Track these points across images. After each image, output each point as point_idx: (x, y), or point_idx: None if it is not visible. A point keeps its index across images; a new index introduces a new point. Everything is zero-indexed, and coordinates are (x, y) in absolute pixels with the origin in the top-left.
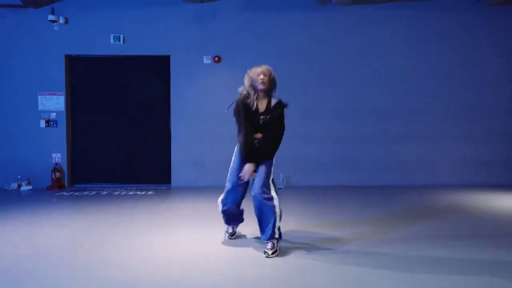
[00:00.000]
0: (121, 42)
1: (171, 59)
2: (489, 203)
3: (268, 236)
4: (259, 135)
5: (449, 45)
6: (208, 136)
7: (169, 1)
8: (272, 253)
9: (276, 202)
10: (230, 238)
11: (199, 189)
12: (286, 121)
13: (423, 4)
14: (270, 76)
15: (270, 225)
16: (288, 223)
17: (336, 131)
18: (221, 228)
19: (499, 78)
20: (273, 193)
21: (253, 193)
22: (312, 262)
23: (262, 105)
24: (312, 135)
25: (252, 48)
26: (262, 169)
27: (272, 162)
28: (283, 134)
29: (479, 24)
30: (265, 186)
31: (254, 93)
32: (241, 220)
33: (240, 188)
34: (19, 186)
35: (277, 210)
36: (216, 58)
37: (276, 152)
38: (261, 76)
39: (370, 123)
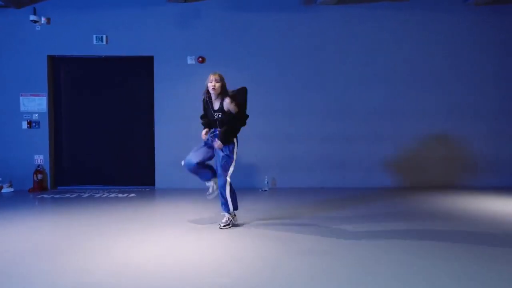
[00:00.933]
0: (104, 42)
1: (155, 59)
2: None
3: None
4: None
5: (436, 45)
6: (192, 136)
7: (152, 1)
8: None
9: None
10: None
11: (183, 191)
12: (269, 121)
13: (409, 3)
14: (220, 82)
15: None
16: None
17: (323, 131)
18: (197, 234)
19: (487, 78)
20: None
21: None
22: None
23: (216, 104)
24: (298, 135)
25: (237, 49)
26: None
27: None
28: (242, 115)
29: (466, 23)
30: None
31: (207, 93)
32: (211, 170)
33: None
34: (0, 188)
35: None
36: (200, 59)
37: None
38: (212, 83)
39: (357, 123)
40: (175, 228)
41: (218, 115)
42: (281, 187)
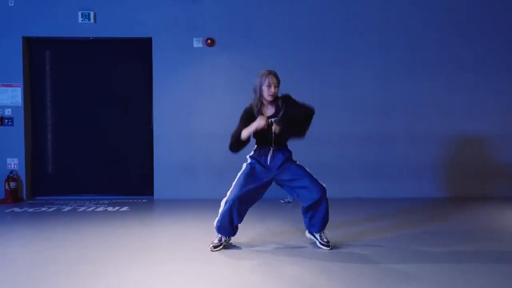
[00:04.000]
0: (92, 21)
1: (153, 42)
2: None
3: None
4: (274, 145)
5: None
6: (199, 136)
7: None
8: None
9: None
10: (213, 250)
11: (187, 202)
12: None
13: None
14: (279, 84)
15: None
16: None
17: (358, 131)
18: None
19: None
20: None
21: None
22: None
23: (269, 110)
24: (327, 135)
25: (253, 29)
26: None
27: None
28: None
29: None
30: None
31: (260, 102)
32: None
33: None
34: None
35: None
36: (209, 41)
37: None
38: (272, 89)
39: (399, 121)
40: (173, 260)
41: (274, 120)
42: None
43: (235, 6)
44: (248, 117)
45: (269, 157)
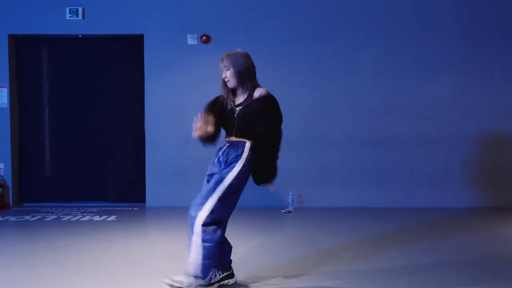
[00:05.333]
0: (80, 17)
1: (145, 39)
2: None
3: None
4: (233, 138)
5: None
6: (193, 140)
7: None
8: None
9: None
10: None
11: (182, 211)
12: (293, 120)
13: None
14: (233, 68)
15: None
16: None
17: (365, 134)
18: None
19: None
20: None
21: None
22: None
23: (239, 99)
24: (331, 138)
25: (250, 24)
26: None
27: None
28: (277, 132)
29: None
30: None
31: (226, 89)
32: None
33: None
34: None
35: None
36: (204, 38)
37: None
38: (223, 74)
39: (411, 123)
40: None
41: (239, 108)
42: (310, 207)
43: (230, 1)
44: (213, 103)
45: (221, 151)
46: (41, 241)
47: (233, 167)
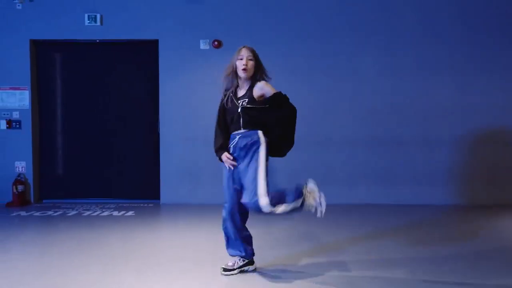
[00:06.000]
0: (98, 23)
1: (160, 44)
2: None
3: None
4: (241, 130)
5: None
6: (206, 139)
7: None
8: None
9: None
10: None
11: (194, 207)
12: (299, 119)
13: None
14: (256, 61)
15: None
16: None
17: (367, 134)
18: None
19: None
20: None
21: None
22: None
23: (241, 91)
24: (335, 138)
25: (260, 29)
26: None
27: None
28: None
29: None
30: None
31: (237, 82)
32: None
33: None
34: None
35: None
36: (216, 43)
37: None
38: (244, 61)
39: (410, 124)
40: (177, 274)
41: (244, 101)
42: None
43: (242, 8)
44: (221, 111)
45: (235, 145)
46: (67, 233)
47: (258, 152)
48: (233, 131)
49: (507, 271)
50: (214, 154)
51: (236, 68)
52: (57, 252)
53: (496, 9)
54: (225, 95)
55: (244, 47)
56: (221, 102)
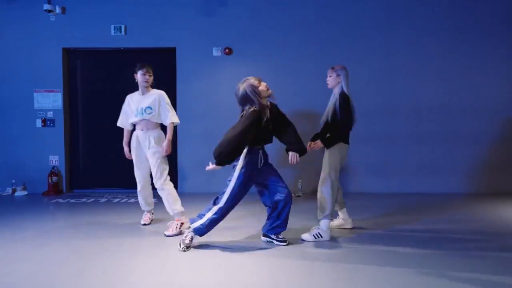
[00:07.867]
0: (123, 33)
1: (177, 51)
2: None
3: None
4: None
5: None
6: (218, 135)
7: None
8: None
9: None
10: (185, 250)
11: (208, 196)
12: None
13: None
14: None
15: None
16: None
17: (364, 131)
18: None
19: None
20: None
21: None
22: None
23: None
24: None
25: (267, 39)
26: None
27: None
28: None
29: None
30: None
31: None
32: None
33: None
34: (14, 191)
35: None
36: (227, 50)
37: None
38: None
39: (403, 122)
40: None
41: (269, 121)
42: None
43: (251, 19)
44: (259, 121)
45: (260, 157)
46: (103, 217)
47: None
48: (259, 144)
49: None
50: None
51: (260, 93)
52: (92, 234)
53: (483, 14)
54: (263, 112)
55: (257, 78)
56: (257, 116)
